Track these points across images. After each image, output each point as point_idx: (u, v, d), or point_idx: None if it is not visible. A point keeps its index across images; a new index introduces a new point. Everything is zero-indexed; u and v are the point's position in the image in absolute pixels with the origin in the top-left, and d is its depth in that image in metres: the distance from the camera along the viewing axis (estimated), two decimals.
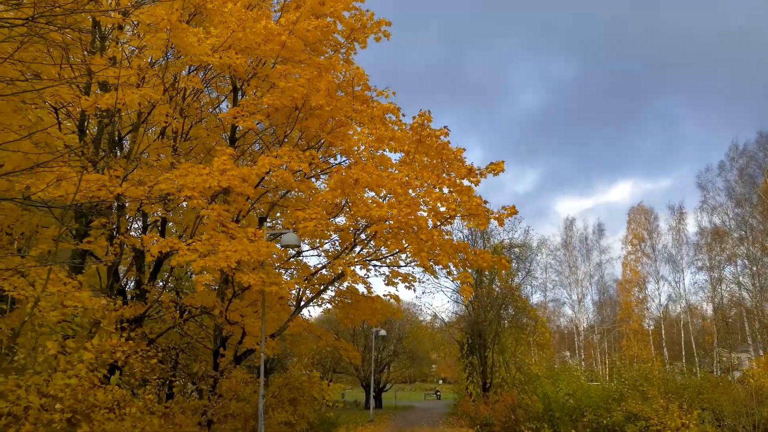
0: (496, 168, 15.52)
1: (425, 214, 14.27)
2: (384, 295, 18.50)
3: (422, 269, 15.09)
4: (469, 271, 21.24)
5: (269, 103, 13.11)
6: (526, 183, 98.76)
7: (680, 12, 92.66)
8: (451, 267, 15.38)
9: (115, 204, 13.04)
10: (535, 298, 49.68)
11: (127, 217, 14.70)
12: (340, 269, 14.85)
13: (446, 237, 15.59)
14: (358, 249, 15.86)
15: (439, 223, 14.49)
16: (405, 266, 16.01)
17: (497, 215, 14.25)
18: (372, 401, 37.67)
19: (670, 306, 51.97)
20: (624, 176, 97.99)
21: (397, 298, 18.45)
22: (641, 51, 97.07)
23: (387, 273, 17.77)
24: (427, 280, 32.43)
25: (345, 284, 18.47)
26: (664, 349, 48.83)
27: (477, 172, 15.71)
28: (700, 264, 46.64)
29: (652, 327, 53.37)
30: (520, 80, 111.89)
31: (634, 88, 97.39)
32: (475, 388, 32.63)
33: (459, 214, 14.05)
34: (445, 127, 15.41)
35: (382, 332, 36.30)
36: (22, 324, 9.09)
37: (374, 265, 15.90)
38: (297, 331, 16.71)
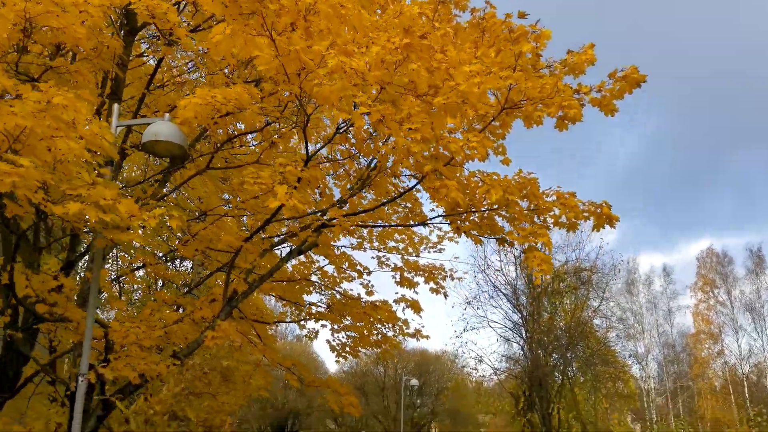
0: (578, 62, 8.40)
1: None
2: (395, 301, 11.27)
3: (448, 224, 7.82)
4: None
5: None
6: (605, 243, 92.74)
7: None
8: (505, 226, 8.07)
9: None
10: None
11: None
12: (309, 230, 7.77)
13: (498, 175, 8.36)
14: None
15: (479, 127, 7.37)
16: (416, 225, 8.75)
17: (582, 96, 7.02)
18: None
19: (752, 360, 47.15)
20: (706, 232, 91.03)
21: (415, 304, 11.14)
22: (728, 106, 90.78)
23: (398, 264, 10.87)
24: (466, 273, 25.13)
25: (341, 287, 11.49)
26: (749, 409, 43.31)
27: (547, 65, 8.59)
28: None
29: (721, 383, 48.31)
30: (604, 139, 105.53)
31: (720, 141, 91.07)
32: None
33: (526, 99, 6.89)
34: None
35: (414, 382, 28.92)
36: None
37: (362, 225, 8.69)
38: (219, 345, 9.04)
